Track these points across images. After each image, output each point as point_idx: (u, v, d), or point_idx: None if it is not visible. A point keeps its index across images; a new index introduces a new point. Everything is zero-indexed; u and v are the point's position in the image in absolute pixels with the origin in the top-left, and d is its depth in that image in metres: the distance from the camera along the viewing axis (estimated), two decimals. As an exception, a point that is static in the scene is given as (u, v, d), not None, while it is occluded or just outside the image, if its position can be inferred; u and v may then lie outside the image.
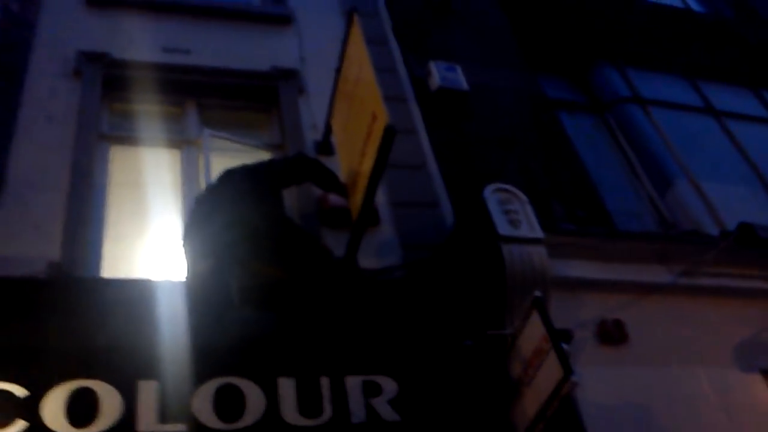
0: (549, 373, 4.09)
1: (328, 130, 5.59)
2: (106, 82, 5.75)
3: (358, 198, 4.66)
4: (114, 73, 5.80)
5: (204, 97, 6.02)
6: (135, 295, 4.32)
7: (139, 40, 6.01)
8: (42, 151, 5.11)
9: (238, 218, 4.48)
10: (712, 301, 5.45)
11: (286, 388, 4.16)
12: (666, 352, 5.10)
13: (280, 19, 6.74)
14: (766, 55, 8.66)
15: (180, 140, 5.71)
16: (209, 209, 4.59)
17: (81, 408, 3.82)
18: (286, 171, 4.90)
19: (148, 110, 5.83)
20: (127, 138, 5.63)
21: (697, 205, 6.31)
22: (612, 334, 5.03)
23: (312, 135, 5.78)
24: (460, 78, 6.42)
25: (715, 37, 8.55)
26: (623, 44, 7.91)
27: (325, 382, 4.24)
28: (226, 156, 5.44)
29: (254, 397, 4.07)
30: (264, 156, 5.66)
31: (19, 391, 3.81)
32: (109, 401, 3.87)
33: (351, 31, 5.09)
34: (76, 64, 5.73)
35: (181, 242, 4.60)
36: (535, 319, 4.31)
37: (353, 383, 4.28)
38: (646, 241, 5.60)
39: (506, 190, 5.05)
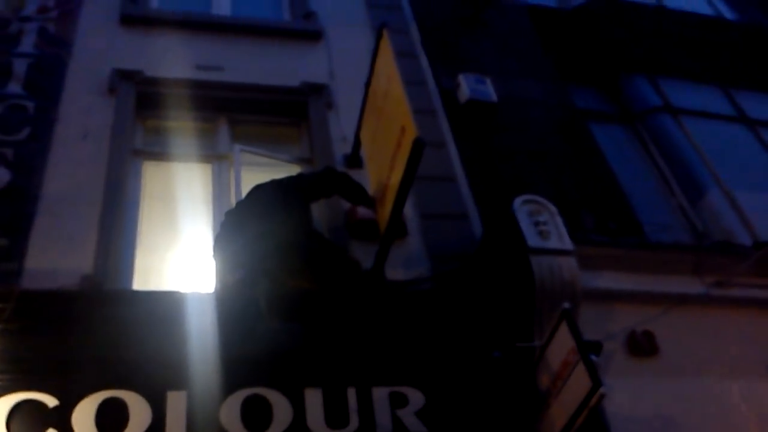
0: (577, 385, 4.06)
1: (357, 143, 5.62)
2: (140, 99, 5.88)
3: (386, 210, 4.68)
4: (147, 90, 5.92)
5: (235, 113, 6.12)
6: (166, 307, 4.38)
7: (172, 58, 6.13)
8: (77, 167, 5.23)
9: (268, 231, 4.54)
10: (744, 312, 5.37)
11: (313, 398, 4.18)
12: (697, 364, 5.04)
13: (310, 34, 6.82)
14: (799, 62, 8.49)
15: (211, 155, 5.80)
16: (239, 222, 4.66)
17: (111, 418, 3.89)
18: (315, 184, 4.94)
19: (180, 126, 5.94)
20: (159, 153, 5.74)
21: (729, 215, 6.20)
22: (642, 345, 4.99)
23: (341, 148, 5.83)
24: (489, 90, 6.43)
25: (747, 44, 8.40)
26: (653, 53, 7.81)
27: (351, 392, 4.26)
28: (256, 170, 5.52)
29: (281, 408, 4.11)
30: (293, 170, 5.74)
31: (50, 401, 3.89)
32: (139, 411, 3.94)
33: (380, 46, 5.13)
34: (111, 82, 5.87)
35: (212, 255, 4.67)
36: (564, 331, 4.28)
37: (380, 394, 4.29)
38: (678, 251, 5.54)
39: (536, 202, 5.03)
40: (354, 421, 4.16)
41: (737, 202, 6.31)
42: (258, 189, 4.83)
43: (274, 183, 4.89)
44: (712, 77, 7.84)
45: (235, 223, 4.68)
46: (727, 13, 9.45)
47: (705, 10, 9.27)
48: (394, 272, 4.94)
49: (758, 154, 7.14)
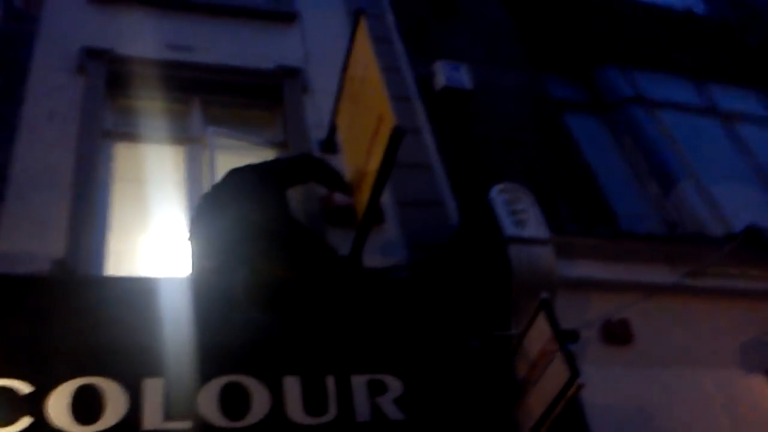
0: (555, 375, 4.07)
1: (332, 128, 5.57)
2: (110, 79, 5.73)
3: (363, 197, 4.66)
4: (118, 69, 5.77)
5: (208, 95, 6.00)
6: (140, 292, 4.29)
7: (144, 37, 5.98)
8: (45, 148, 5.09)
9: (244, 217, 4.48)
10: (718, 302, 5.42)
11: (292, 386, 4.13)
12: (671, 353, 5.08)
13: (285, 16, 6.71)
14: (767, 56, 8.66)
15: (184, 137, 5.69)
16: (215, 206, 4.59)
17: (86, 405, 3.79)
18: (292, 170, 4.89)
19: (152, 107, 5.80)
20: (130, 135, 5.60)
21: (701, 206, 6.30)
22: (617, 334, 5.01)
23: (316, 133, 5.77)
24: (464, 77, 6.41)
25: (719, 38, 8.54)
26: (627, 45, 7.89)
27: (330, 380, 4.21)
28: (230, 153, 5.44)
29: (260, 396, 4.05)
30: (268, 154, 5.67)
31: (24, 387, 3.78)
32: (115, 399, 3.85)
33: (357, 32, 5.08)
34: (80, 61, 5.71)
35: (187, 239, 4.59)
36: (542, 321, 4.28)
37: (358, 382, 4.26)
38: (651, 241, 5.57)
39: (513, 190, 5.01)
40: (333, 409, 4.11)
41: (709, 193, 6.42)
42: (234, 173, 4.76)
43: (250, 167, 4.82)
44: (685, 69, 7.96)
45: (211, 206, 4.61)
46: (698, 7, 9.58)
47: (677, 3, 9.38)
48: (371, 260, 4.91)
49: (729, 146, 7.27)
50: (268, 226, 4.51)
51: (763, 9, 9.51)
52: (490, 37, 7.22)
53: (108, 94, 5.70)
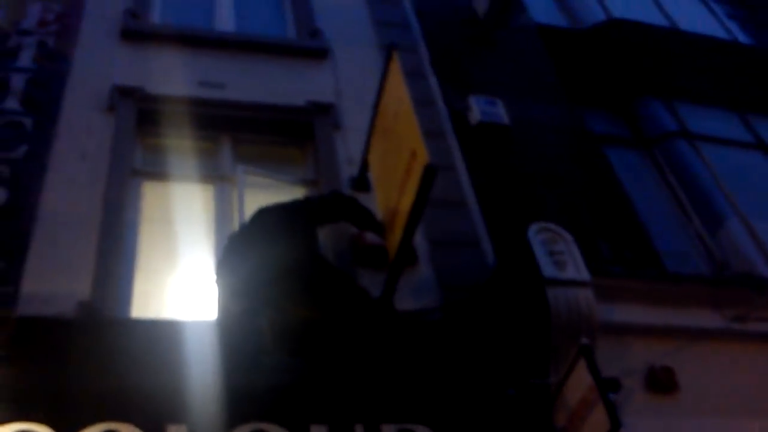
0: (596, 426, 3.97)
1: (364, 165, 5.47)
2: (140, 117, 5.71)
3: (396, 236, 4.54)
4: (148, 107, 5.75)
5: (238, 132, 5.95)
6: (166, 335, 4.23)
7: (174, 75, 5.96)
8: (74, 187, 5.07)
9: (272, 258, 4.41)
10: (765, 347, 5.22)
11: (319, 435, 4.00)
12: (717, 402, 4.89)
13: (316, 52, 6.67)
14: (815, 88, 8.39)
15: (214, 176, 5.63)
16: (243, 247, 4.53)
17: (108, 451, 3.70)
18: (322, 209, 4.79)
19: (181, 145, 5.76)
20: (159, 173, 5.56)
21: (749, 246, 6.06)
22: (661, 382, 4.83)
23: (348, 170, 5.67)
24: (501, 112, 6.28)
25: (763, 70, 8.30)
26: (669, 77, 7.69)
27: (359, 429, 4.10)
28: (259, 192, 5.36)
29: (286, 445, 3.92)
30: (299, 192, 5.59)
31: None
32: (138, 445, 3.75)
33: (390, 66, 5.01)
34: (110, 99, 5.71)
35: (214, 281, 4.51)
36: (582, 368, 4.18)
37: (388, 431, 4.12)
38: (698, 283, 5.41)
39: (551, 230, 4.89)
40: (361, 459, 3.98)
41: (757, 232, 6.19)
42: (263, 213, 4.68)
43: (279, 206, 4.74)
44: (729, 102, 7.74)
45: (239, 248, 4.54)
46: (741, 37, 9.36)
47: (719, 33, 9.18)
48: (403, 302, 4.76)
49: (776, 182, 7.02)
50: (296, 266, 4.44)
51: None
52: (527, 71, 7.10)
53: (138, 133, 5.68)
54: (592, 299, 4.64)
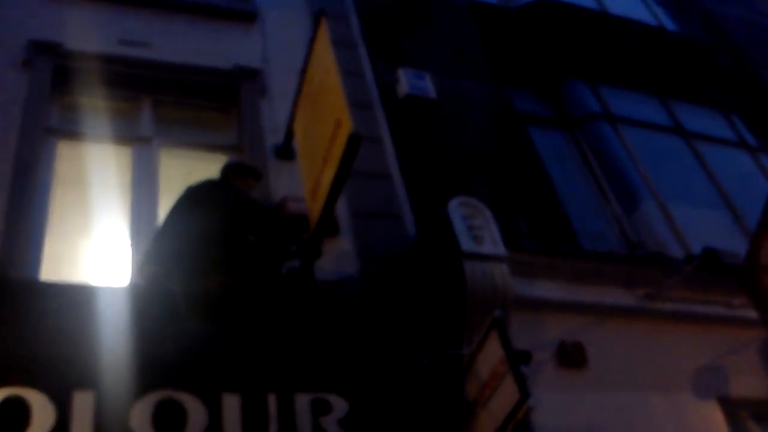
0: (505, 396, 4.00)
1: (289, 134, 5.41)
2: (57, 74, 5.50)
3: (317, 206, 4.51)
4: (66, 64, 5.54)
5: (160, 94, 5.78)
6: (75, 299, 4.11)
7: (95, 32, 5.74)
8: (-16, 144, 4.86)
9: (190, 226, 4.36)
10: (673, 326, 5.40)
11: (231, 404, 3.97)
12: (624, 377, 5.03)
13: (245, 15, 6.52)
14: (735, 79, 8.66)
15: (132, 138, 5.47)
16: (169, 218, 4.42)
17: (11, 418, 3.61)
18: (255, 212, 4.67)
19: (100, 105, 5.57)
20: (76, 133, 5.37)
21: (663, 227, 6.24)
22: (571, 357, 4.95)
23: (272, 138, 5.59)
24: (428, 86, 6.29)
25: (688, 57, 8.52)
26: (595, 59, 7.82)
27: (272, 399, 4.06)
28: (179, 156, 5.23)
29: (196, 413, 3.88)
30: (221, 158, 5.46)
31: (-56, 398, 3.60)
32: (42, 411, 3.67)
33: (318, 34, 4.93)
34: (26, 54, 5.48)
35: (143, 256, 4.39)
36: (494, 340, 4.21)
37: (302, 401, 4.11)
38: (611, 262, 5.53)
39: (471, 205, 4.92)
40: (273, 429, 3.95)
41: (671, 214, 6.37)
42: (189, 188, 4.58)
43: (206, 181, 4.65)
44: (652, 87, 7.93)
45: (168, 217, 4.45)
46: (668, 24, 9.55)
47: (648, 19, 9.34)
48: (323, 272, 4.75)
49: (693, 167, 7.24)
50: (214, 234, 4.36)
51: (734, 31, 9.53)
52: (456, 47, 7.10)
53: (54, 90, 5.47)
54: (507, 274, 4.69)
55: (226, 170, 4.82)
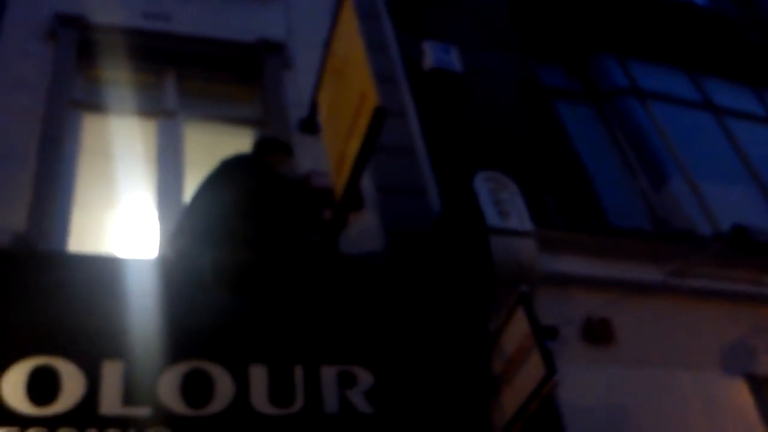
0: (531, 371, 3.99)
1: (314, 107, 5.39)
2: (81, 47, 5.50)
3: (342, 180, 4.50)
4: (90, 37, 5.53)
5: (184, 67, 5.77)
6: (103, 271, 4.14)
7: (118, 4, 5.73)
8: (10, 117, 4.88)
9: (218, 198, 4.39)
10: (701, 303, 5.35)
11: (258, 375, 3.99)
12: (650, 353, 4.99)
13: (269, -13, 6.48)
14: (766, 54, 8.52)
15: (156, 110, 5.48)
16: (198, 193, 4.46)
17: (42, 386, 3.65)
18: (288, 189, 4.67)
19: (124, 78, 5.57)
20: (100, 106, 5.38)
21: (691, 204, 6.17)
22: (598, 333, 4.91)
23: (296, 112, 5.56)
24: (454, 60, 6.21)
25: (717, 32, 8.39)
26: (623, 34, 7.72)
27: (298, 370, 4.08)
28: (204, 129, 5.23)
29: (223, 384, 3.91)
30: (244, 131, 5.46)
31: (-23, 366, 3.64)
32: (72, 381, 3.71)
33: (343, 6, 4.90)
34: (51, 26, 5.48)
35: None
36: (520, 315, 4.19)
37: (328, 373, 4.13)
38: (639, 239, 5.48)
39: (497, 180, 4.90)
40: (300, 399, 3.98)
41: (700, 191, 6.31)
42: (223, 161, 4.61)
43: (239, 156, 4.67)
44: (681, 62, 7.82)
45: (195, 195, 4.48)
46: (698, -1, 9.43)
47: (677, -8, 9.22)
48: (349, 246, 4.75)
49: (722, 143, 7.16)
50: (242, 207, 4.37)
51: (764, 6, 9.37)
52: (482, 20, 7.01)
53: (79, 63, 5.47)
54: (534, 249, 4.67)
55: (259, 145, 4.83)
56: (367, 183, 5.16)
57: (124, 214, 4.90)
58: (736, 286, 5.47)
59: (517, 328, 4.17)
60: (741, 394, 5.06)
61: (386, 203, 5.21)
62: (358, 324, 4.39)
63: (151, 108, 5.49)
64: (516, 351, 4.16)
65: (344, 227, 4.66)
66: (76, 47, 5.48)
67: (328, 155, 4.88)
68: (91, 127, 5.26)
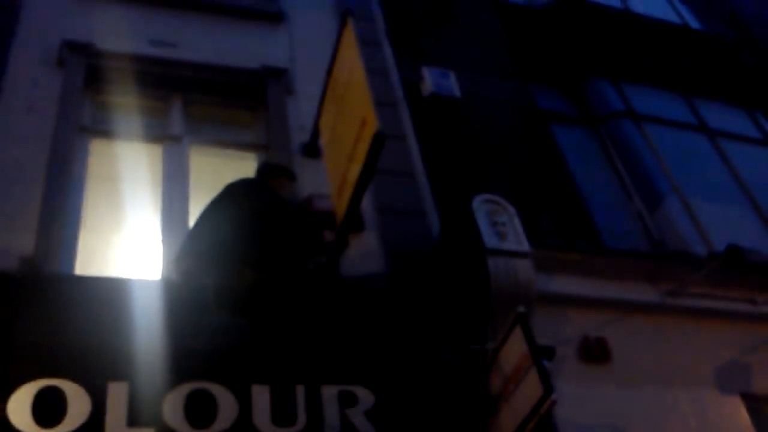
0: (529, 391, 4.03)
1: (315, 132, 5.49)
2: (90, 74, 5.62)
3: (343, 203, 4.58)
4: (98, 64, 5.66)
5: (190, 93, 5.89)
6: (109, 293, 4.21)
7: (126, 32, 5.87)
8: (19, 142, 4.97)
9: (222, 221, 4.44)
10: (697, 322, 5.41)
11: (260, 395, 4.05)
12: (647, 372, 5.05)
13: (272, 16, 6.61)
14: (760, 76, 8.63)
15: (163, 136, 5.58)
16: (203, 215, 4.53)
17: (48, 408, 3.71)
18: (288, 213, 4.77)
19: (131, 104, 5.69)
20: (108, 131, 5.49)
21: (686, 225, 6.25)
22: (594, 352, 4.98)
23: (299, 137, 5.66)
24: (453, 85, 6.34)
25: (711, 55, 8.51)
26: (619, 57, 7.84)
27: (300, 390, 4.14)
28: (208, 154, 5.33)
29: (226, 404, 3.97)
30: (249, 156, 5.56)
31: (-16, 387, 3.69)
32: (78, 402, 3.77)
33: (344, 34, 5.01)
34: (60, 54, 5.60)
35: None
36: (518, 335, 4.24)
37: (329, 393, 4.18)
38: (634, 258, 5.55)
39: (495, 202, 4.97)
40: (302, 419, 4.03)
41: (694, 211, 6.37)
42: (228, 185, 4.69)
43: (243, 180, 4.74)
44: (675, 85, 7.91)
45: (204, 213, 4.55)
46: (692, 22, 9.53)
47: (671, 17, 9.33)
48: (350, 267, 4.83)
49: (717, 165, 7.22)
50: (244, 230, 4.44)
51: (757, 28, 9.48)
52: (481, 45, 7.14)
53: (87, 90, 5.59)
54: (531, 270, 4.74)
55: (262, 170, 4.93)
56: (367, 205, 5.23)
57: (130, 237, 4.97)
58: (730, 306, 5.54)
59: (515, 348, 4.22)
60: (737, 413, 5.11)
61: (386, 225, 5.30)
62: (358, 344, 4.44)
63: (157, 133, 5.60)
64: (514, 370, 4.20)
65: (345, 249, 4.74)
66: (84, 74, 5.59)
67: (330, 179, 4.97)
68: (98, 152, 5.36)
